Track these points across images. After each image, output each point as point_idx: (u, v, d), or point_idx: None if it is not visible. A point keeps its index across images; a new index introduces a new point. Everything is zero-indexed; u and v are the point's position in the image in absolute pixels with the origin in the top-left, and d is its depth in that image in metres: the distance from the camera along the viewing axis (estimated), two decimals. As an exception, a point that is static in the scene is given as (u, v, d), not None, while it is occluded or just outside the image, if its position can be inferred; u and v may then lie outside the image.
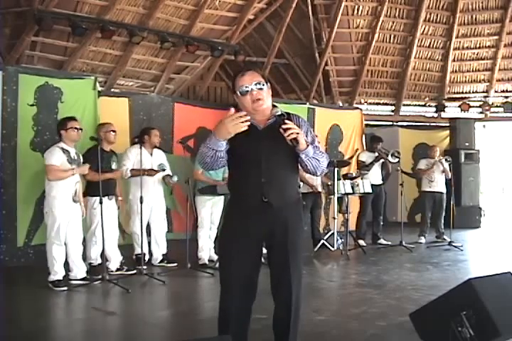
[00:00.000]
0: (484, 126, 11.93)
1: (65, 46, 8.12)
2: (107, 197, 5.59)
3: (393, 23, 10.68)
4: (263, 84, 2.69)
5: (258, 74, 2.70)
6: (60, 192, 5.10)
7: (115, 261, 5.82)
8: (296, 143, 2.58)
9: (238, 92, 2.69)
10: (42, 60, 8.07)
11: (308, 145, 2.64)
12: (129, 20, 8.25)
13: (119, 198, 5.95)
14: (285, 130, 2.54)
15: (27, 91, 6.21)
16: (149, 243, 6.33)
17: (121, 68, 8.74)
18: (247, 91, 2.66)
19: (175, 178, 6.18)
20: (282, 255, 2.74)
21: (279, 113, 2.67)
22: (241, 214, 2.76)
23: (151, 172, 6.01)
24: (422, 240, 8.47)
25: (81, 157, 5.36)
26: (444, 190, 8.57)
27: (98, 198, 5.24)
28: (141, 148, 5.78)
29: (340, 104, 11.00)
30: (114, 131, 5.79)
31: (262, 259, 2.88)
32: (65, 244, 5.18)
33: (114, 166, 5.79)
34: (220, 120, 2.55)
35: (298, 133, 2.55)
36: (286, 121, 2.57)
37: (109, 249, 5.67)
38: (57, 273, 5.10)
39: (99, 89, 7.20)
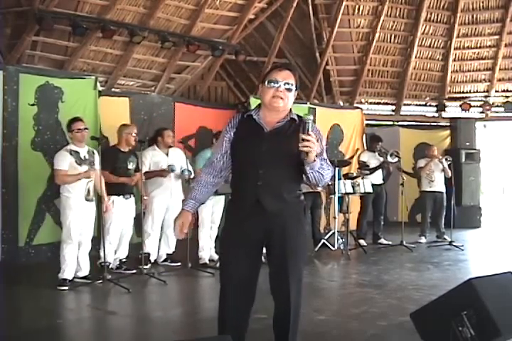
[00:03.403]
0: (485, 125, 11.92)
1: (66, 46, 8.10)
2: (122, 197, 5.63)
3: (394, 22, 10.64)
4: (292, 86, 2.71)
5: (293, 77, 2.74)
6: (73, 192, 5.13)
7: (118, 259, 5.86)
8: (305, 156, 2.55)
9: (266, 83, 2.71)
10: (42, 59, 8.06)
11: (315, 160, 2.59)
12: (129, 20, 8.24)
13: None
14: (303, 139, 2.51)
15: (28, 91, 6.20)
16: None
17: (122, 68, 8.73)
18: (275, 85, 2.68)
19: (186, 172, 6.15)
20: (280, 257, 2.73)
21: (310, 121, 2.54)
22: (238, 216, 2.77)
23: (162, 173, 6.08)
24: (423, 240, 8.47)
25: (96, 154, 5.33)
26: (444, 189, 8.57)
27: (113, 197, 5.42)
28: (155, 149, 5.97)
29: (341, 104, 10.98)
30: (136, 134, 5.85)
31: (263, 258, 2.88)
32: (78, 243, 5.20)
33: (130, 166, 5.80)
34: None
35: (312, 148, 2.52)
36: (310, 133, 2.52)
37: (121, 248, 5.80)
38: (67, 272, 5.11)
39: (100, 88, 7.19)
